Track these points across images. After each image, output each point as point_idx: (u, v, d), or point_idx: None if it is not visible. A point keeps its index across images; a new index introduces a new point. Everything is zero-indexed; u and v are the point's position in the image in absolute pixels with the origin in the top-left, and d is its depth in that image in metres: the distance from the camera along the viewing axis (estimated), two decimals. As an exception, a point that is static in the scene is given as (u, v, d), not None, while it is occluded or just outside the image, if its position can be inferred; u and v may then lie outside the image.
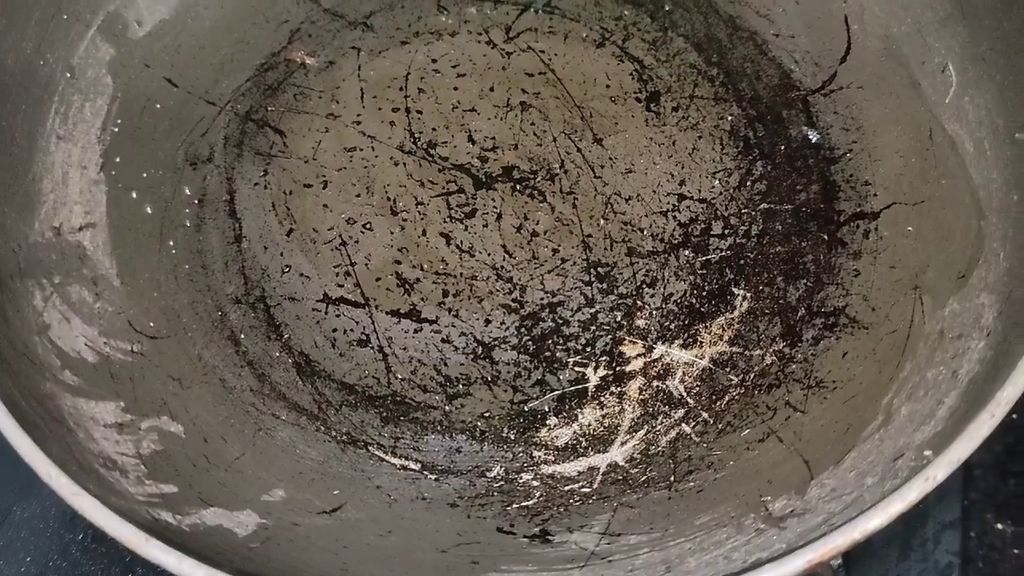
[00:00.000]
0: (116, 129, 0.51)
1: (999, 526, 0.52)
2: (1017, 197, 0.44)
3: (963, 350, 0.42)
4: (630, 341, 0.47)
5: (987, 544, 0.51)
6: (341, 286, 0.49)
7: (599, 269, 0.48)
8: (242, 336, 0.48)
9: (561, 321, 0.47)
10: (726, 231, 0.49)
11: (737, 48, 0.54)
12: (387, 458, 0.45)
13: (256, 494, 0.43)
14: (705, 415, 0.45)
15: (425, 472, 0.44)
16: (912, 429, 0.41)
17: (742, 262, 0.48)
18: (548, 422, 0.45)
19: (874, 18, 0.52)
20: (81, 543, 0.50)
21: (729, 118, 0.52)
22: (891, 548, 0.48)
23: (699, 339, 0.47)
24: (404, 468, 0.44)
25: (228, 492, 0.42)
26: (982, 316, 0.43)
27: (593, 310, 0.47)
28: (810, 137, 0.51)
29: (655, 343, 0.46)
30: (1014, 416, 0.42)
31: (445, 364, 0.47)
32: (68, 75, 0.50)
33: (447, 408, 0.46)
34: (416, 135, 0.53)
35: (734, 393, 0.45)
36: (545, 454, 0.44)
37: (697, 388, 0.46)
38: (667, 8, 0.56)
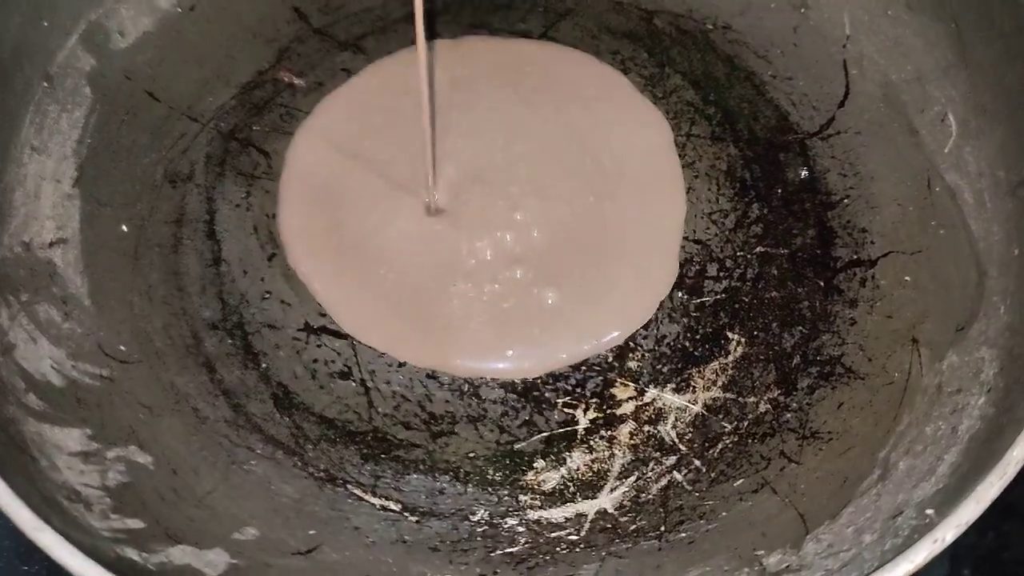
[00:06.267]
0: (93, 142, 0.49)
1: (978, 582, 0.51)
2: (1018, 251, 0.44)
3: (962, 405, 0.41)
4: (621, 383, 0.45)
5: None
6: (323, 315, 0.47)
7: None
8: (217, 364, 0.46)
9: (551, 360, 0.46)
10: (721, 274, 0.48)
11: (735, 87, 0.54)
12: (366, 497, 0.43)
13: (227, 532, 0.41)
14: (697, 463, 0.44)
15: (406, 513, 0.43)
16: (911, 486, 0.40)
17: (737, 306, 0.47)
18: (535, 465, 0.44)
19: (873, 64, 0.52)
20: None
21: (726, 158, 0.52)
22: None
23: (692, 384, 0.45)
24: (384, 508, 0.43)
25: (198, 529, 0.40)
26: (982, 371, 0.42)
27: (584, 349, 0.46)
28: (803, 176, 0.51)
29: (647, 386, 0.45)
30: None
31: (430, 400, 0.45)
32: (45, 84, 0.48)
33: (431, 447, 0.44)
34: (405, 162, 0.51)
35: (727, 441, 0.44)
36: (531, 498, 0.43)
37: (689, 434, 0.44)
38: (665, 44, 0.55)
